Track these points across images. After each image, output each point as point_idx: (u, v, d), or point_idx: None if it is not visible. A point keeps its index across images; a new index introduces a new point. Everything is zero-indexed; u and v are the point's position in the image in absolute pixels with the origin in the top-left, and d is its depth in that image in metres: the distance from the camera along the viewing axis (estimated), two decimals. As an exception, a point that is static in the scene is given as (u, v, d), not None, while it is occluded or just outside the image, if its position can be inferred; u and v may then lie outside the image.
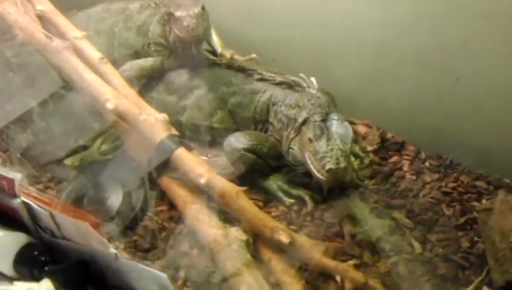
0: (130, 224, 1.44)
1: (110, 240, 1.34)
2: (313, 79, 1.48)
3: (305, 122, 1.42)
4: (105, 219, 1.44)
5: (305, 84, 1.49)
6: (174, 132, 1.46)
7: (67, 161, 1.58)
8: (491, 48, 1.46)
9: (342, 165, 1.33)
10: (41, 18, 1.55)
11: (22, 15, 1.54)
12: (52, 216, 1.22)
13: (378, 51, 1.62)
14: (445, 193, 1.52)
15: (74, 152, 1.59)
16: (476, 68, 1.49)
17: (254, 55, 1.68)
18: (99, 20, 1.68)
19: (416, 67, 1.59)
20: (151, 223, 1.43)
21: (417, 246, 1.39)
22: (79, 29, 1.58)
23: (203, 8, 1.52)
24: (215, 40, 1.71)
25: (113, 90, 1.44)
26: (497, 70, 1.47)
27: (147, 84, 1.66)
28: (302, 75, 1.50)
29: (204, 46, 1.70)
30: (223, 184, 1.35)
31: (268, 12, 1.73)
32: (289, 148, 1.46)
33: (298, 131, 1.43)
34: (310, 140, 1.37)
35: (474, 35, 1.47)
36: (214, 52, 1.70)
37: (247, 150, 1.48)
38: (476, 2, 1.45)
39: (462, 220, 1.44)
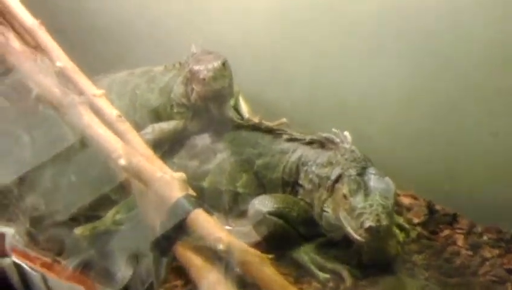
0: (139, 299, 1.26)
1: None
2: (346, 133, 1.33)
3: (339, 179, 1.25)
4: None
5: (338, 140, 1.34)
6: (192, 192, 1.31)
7: (78, 231, 1.44)
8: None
9: (384, 222, 1.14)
10: (60, 75, 1.49)
11: (38, 70, 1.49)
12: (44, 279, 1.06)
13: (408, 106, 1.49)
14: (510, 271, 1.31)
15: (85, 220, 1.46)
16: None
17: (284, 120, 1.56)
18: (122, 83, 1.62)
19: (451, 122, 1.44)
20: (162, 298, 1.25)
21: (479, 332, 1.16)
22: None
23: (223, 64, 1.43)
24: (243, 106, 1.63)
25: (126, 147, 1.33)
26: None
27: (169, 149, 1.54)
28: (334, 130, 1.35)
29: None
30: (244, 250, 1.17)
31: (294, 74, 1.65)
32: (322, 210, 1.28)
33: (331, 190, 1.26)
34: (345, 196, 1.20)
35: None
36: (241, 119, 1.60)
37: (273, 213, 1.30)
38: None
39: (532, 302, 1.22)
